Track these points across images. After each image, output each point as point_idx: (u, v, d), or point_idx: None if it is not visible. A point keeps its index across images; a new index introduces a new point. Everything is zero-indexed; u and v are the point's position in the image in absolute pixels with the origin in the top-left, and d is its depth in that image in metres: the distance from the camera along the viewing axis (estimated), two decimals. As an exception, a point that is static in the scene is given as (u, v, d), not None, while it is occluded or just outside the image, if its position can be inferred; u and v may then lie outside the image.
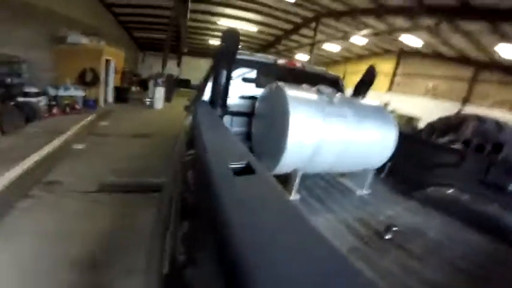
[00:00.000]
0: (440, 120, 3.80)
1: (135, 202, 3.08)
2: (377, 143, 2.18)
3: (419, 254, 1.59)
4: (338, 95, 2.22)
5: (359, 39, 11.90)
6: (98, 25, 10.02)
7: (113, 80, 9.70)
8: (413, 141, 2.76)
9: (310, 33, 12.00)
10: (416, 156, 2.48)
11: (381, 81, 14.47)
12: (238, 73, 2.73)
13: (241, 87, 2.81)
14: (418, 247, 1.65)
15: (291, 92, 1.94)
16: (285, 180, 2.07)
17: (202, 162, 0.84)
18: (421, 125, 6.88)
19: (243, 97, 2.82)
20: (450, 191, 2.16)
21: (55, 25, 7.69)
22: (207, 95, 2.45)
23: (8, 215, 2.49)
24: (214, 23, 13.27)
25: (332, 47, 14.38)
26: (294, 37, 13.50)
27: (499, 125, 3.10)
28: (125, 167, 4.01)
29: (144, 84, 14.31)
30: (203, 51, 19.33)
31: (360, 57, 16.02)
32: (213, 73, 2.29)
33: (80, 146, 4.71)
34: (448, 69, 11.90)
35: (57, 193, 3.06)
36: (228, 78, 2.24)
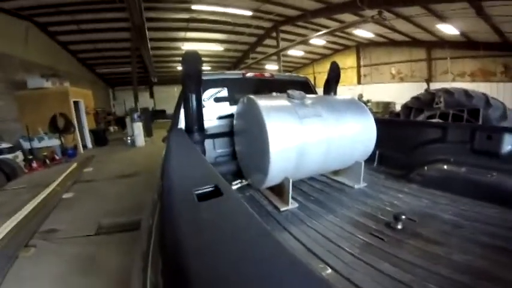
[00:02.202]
0: (413, 99, 4.07)
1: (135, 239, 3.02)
2: (358, 135, 2.20)
3: (437, 238, 1.48)
4: (308, 96, 2.24)
5: (318, 40, 12.61)
6: (56, 66, 9.64)
7: (86, 123, 9.29)
8: (394, 124, 2.81)
9: (274, 42, 12.50)
10: (402, 139, 2.52)
11: (349, 75, 15.32)
12: (209, 94, 2.72)
13: (217, 108, 2.76)
14: (434, 232, 1.55)
15: (262, 102, 1.93)
16: (280, 190, 2.02)
17: (165, 191, 0.84)
18: (398, 107, 7.30)
19: (220, 117, 2.76)
20: (445, 166, 2.17)
21: (11, 69, 7.30)
22: (182, 123, 2.40)
23: (13, 265, 2.53)
24: (179, 49, 13.40)
25: (296, 52, 15.01)
26: (260, 49, 13.93)
27: (467, 93, 3.39)
28: (117, 208, 3.89)
29: (121, 122, 13.83)
30: (173, 79, 19.32)
31: (325, 57, 16.87)
32: (183, 98, 2.25)
33: (68, 195, 4.53)
34: (404, 53, 12.92)
35: (57, 240, 3.02)
36: (199, 101, 2.22)
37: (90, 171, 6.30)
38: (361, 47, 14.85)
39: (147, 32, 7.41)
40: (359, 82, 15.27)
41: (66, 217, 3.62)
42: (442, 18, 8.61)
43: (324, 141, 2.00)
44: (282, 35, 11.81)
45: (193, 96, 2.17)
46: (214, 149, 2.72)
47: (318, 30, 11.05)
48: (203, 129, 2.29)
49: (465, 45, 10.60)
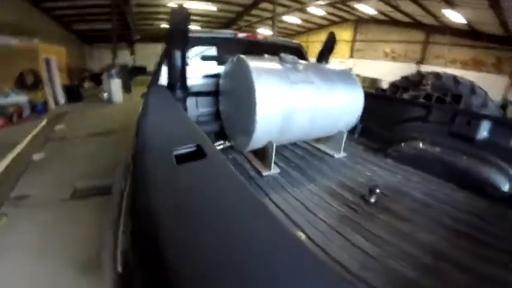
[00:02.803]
0: (402, 78, 4.04)
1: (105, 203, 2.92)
2: (346, 105, 2.21)
3: (406, 215, 1.56)
4: (301, 61, 2.18)
5: (317, 10, 11.91)
6: (27, 24, 8.70)
7: (58, 79, 8.67)
8: (380, 99, 2.82)
9: (270, 6, 11.66)
10: (385, 114, 2.55)
11: (343, 49, 14.95)
12: (196, 52, 2.57)
13: (203, 66, 2.64)
14: (404, 208, 1.62)
15: (254, 63, 1.85)
16: (263, 154, 2.02)
17: (139, 151, 0.75)
18: (384, 85, 7.31)
19: (206, 76, 2.66)
20: (420, 144, 2.22)
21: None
22: (164, 80, 2.31)
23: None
24: (165, 6, 12.21)
25: (293, 19, 14.26)
26: (255, 12, 13.02)
27: (456, 79, 3.38)
28: (93, 169, 3.71)
29: (97, 79, 13.01)
30: (157, 36, 17.93)
31: (321, 27, 16.17)
32: (167, 56, 2.14)
33: (39, 156, 4.25)
34: (402, 34, 12.56)
35: (30, 206, 2.86)
36: (184, 58, 2.11)
37: (62, 128, 5.93)
38: (360, 22, 14.28)
39: None
40: (351, 56, 15.01)
41: (37, 181, 3.41)
42: (450, 4, 8.25)
43: (312, 109, 1.97)
44: (280, 0, 10.98)
45: (178, 53, 2.04)
46: (196, 108, 2.62)
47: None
48: (186, 87, 2.18)
49: (464, 33, 10.42)
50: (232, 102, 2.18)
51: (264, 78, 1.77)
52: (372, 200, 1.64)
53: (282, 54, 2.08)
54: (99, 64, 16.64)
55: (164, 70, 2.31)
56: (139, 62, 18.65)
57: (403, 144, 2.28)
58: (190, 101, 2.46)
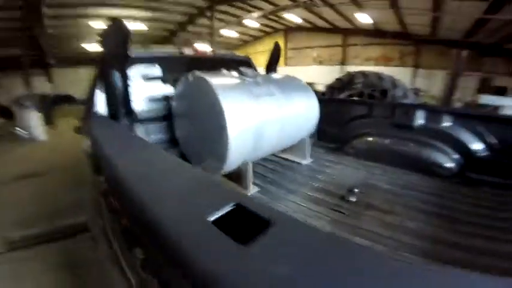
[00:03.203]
0: (337, 80, 4.54)
1: (59, 251, 2.54)
2: (305, 113, 2.30)
3: (387, 208, 1.63)
4: (260, 74, 2.20)
5: (252, 22, 12.53)
6: None
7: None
8: (329, 102, 3.03)
9: (207, 22, 11.72)
10: (336, 115, 2.75)
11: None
12: (136, 71, 2.28)
13: (146, 88, 2.35)
14: (382, 202, 1.71)
15: (215, 80, 1.74)
16: (238, 176, 1.90)
17: (158, 224, 0.63)
18: (320, 88, 8.06)
19: (153, 99, 2.39)
20: (370, 138, 2.47)
21: None
22: (100, 107, 1.99)
23: None
24: (88, 26, 11.08)
25: (230, 33, 14.62)
26: (191, 28, 12.90)
27: (379, 76, 3.96)
28: (26, 217, 3.10)
29: (6, 113, 10.83)
30: (80, 59, 16.09)
31: (256, 39, 16.99)
32: (103, 78, 1.88)
33: None
34: (325, 39, 14.20)
35: None
36: (125, 80, 1.88)
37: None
38: (288, 31, 15.57)
39: (43, 9, 5.84)
40: (285, 64, 16.18)
41: None
42: (360, 7, 9.63)
43: (278, 121, 1.96)
44: (217, 15, 11.18)
45: (117, 74, 1.78)
46: (147, 136, 2.33)
47: (252, 12, 10.90)
48: (132, 113, 1.94)
49: (373, 33, 12.30)
50: (192, 125, 2.00)
51: (229, 95, 1.68)
52: (353, 199, 1.71)
53: (242, 68, 2.02)
54: (8, 95, 13.94)
55: (99, 96, 1.98)
56: (63, 89, 16.34)
57: (356, 141, 2.52)
58: (139, 130, 2.19)
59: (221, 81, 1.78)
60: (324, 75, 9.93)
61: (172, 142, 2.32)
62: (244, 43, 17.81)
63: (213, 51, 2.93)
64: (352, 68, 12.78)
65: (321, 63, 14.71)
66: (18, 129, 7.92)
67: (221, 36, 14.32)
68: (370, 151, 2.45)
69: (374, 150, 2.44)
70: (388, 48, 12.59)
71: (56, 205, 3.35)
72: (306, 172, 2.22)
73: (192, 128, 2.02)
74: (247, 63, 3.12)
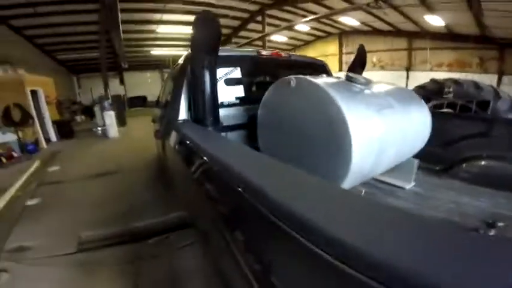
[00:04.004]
0: (418, 88, 3.97)
1: (131, 254, 2.52)
2: (419, 129, 1.92)
3: None
4: (373, 81, 1.87)
5: (303, 26, 12.29)
6: (9, 52, 8.34)
7: (47, 114, 8.19)
8: (435, 116, 2.35)
9: (257, 27, 11.92)
10: (438, 132, 2.19)
11: (331, 63, 15.35)
12: (219, 74, 2.14)
13: (228, 93, 2.24)
14: None
15: (332, 87, 1.46)
16: None
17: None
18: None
19: (233, 104, 2.25)
20: (491, 162, 2.01)
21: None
22: (182, 113, 1.93)
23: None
24: (154, 32, 12.27)
25: (280, 38, 14.61)
26: (243, 33, 13.28)
27: (476, 85, 3.33)
28: (99, 216, 3.29)
29: (89, 112, 12.59)
30: (146, 64, 17.94)
31: (306, 43, 16.67)
32: (191, 78, 1.77)
33: (33, 201, 3.81)
34: (386, 43, 13.08)
35: (30, 261, 2.44)
36: (214, 81, 1.75)
37: (56, 170, 5.48)
38: (343, 34, 14.80)
39: (119, 13, 6.57)
40: (340, 69, 15.38)
41: (35, 230, 2.98)
42: (431, 9, 8.68)
43: (398, 138, 1.64)
44: (267, 20, 11.27)
45: (207, 74, 1.66)
46: None
47: (304, 16, 10.69)
48: (218, 121, 1.82)
49: (445, 36, 10.93)
50: (289, 137, 1.72)
51: (351, 106, 1.39)
52: (492, 233, 1.39)
53: (351, 74, 1.74)
54: (89, 95, 16.31)
55: (184, 99, 1.95)
56: (130, 90, 18.53)
57: (469, 163, 2.09)
58: None
59: (338, 89, 1.51)
60: (386, 80, 9.03)
61: None
62: (293, 48, 17.66)
63: (287, 53, 2.73)
64: (420, 74, 11.67)
65: (382, 68, 13.62)
66: (98, 128, 9.07)
67: (271, 41, 14.42)
68: (490, 176, 1.97)
69: (496, 175, 1.97)
70: (463, 52, 10.98)
71: (126, 205, 3.51)
72: (415, 199, 1.85)
73: (287, 140, 1.74)
74: (323, 67, 2.89)
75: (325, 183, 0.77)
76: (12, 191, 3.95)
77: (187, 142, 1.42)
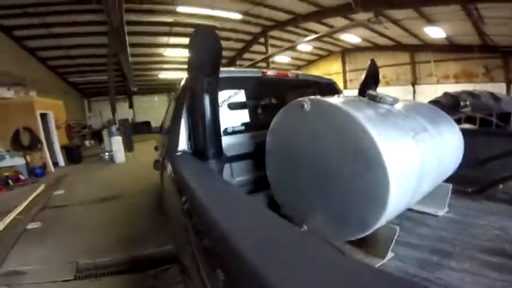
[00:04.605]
0: (432, 103, 3.81)
1: (130, 285, 2.41)
2: (453, 151, 1.73)
3: None
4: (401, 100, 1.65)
5: (305, 46, 12.55)
6: (22, 73, 8.52)
7: (56, 138, 8.28)
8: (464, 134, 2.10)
9: (261, 48, 12.23)
10: (468, 151, 1.95)
11: (335, 80, 15.46)
12: (221, 98, 1.94)
13: (232, 118, 2.01)
14: None
15: (351, 108, 1.25)
16: (367, 239, 1.35)
17: None
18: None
19: (235, 131, 2.01)
20: None
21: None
22: (182, 142, 1.75)
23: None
24: (161, 55, 12.72)
25: (283, 59, 14.91)
26: (246, 55, 13.62)
27: (494, 96, 3.16)
28: (98, 242, 3.17)
29: (98, 136, 12.76)
30: (155, 87, 18.44)
31: (310, 63, 16.95)
32: (189, 105, 1.61)
33: (34, 225, 3.75)
34: (388, 58, 13.17)
35: (23, 286, 2.39)
36: (216, 106, 1.57)
37: (61, 194, 5.43)
38: (346, 52, 15.04)
39: (126, 36, 6.81)
40: (345, 87, 15.44)
41: (32, 255, 2.90)
42: (431, 21, 8.76)
43: (435, 164, 1.45)
44: (270, 41, 11.55)
45: (207, 99, 1.50)
46: (232, 177, 1.99)
47: (306, 36, 10.94)
48: (221, 153, 1.63)
49: (447, 48, 10.96)
50: (302, 170, 1.49)
51: (381, 131, 1.17)
52: None
53: (373, 92, 1.51)
54: (98, 119, 16.65)
55: (184, 127, 1.77)
56: (138, 115, 18.91)
57: (504, 183, 1.88)
58: (225, 170, 1.85)
59: (362, 110, 1.29)
60: (394, 95, 8.86)
61: (258, 183, 1.95)
62: (297, 68, 17.97)
63: (294, 72, 2.60)
64: (427, 88, 11.55)
65: (387, 83, 13.59)
66: (104, 153, 9.11)
67: (274, 62, 14.74)
68: None
69: None
70: (468, 63, 10.94)
71: (123, 232, 3.38)
72: (452, 227, 1.61)
73: (301, 173, 1.49)
74: (332, 86, 2.74)
75: (313, 240, 0.67)
76: (13, 214, 3.90)
77: (178, 180, 1.24)
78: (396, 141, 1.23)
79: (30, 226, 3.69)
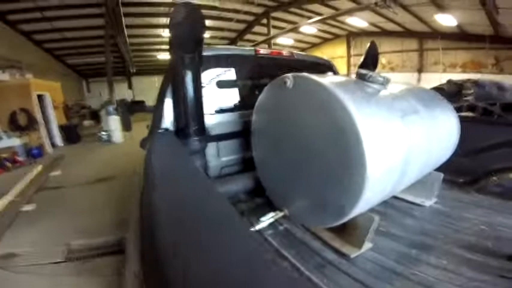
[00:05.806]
0: (436, 89, 3.67)
1: (121, 266, 2.42)
2: (446, 136, 1.63)
3: None
4: (395, 81, 1.54)
5: (309, 28, 12.08)
6: (18, 57, 8.45)
7: (54, 118, 8.28)
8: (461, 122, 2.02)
9: (262, 29, 11.81)
10: (468, 139, 1.85)
11: (339, 65, 15.07)
12: (209, 76, 1.90)
13: (219, 96, 1.97)
14: None
15: (334, 86, 1.16)
16: (346, 225, 1.29)
17: None
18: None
19: (225, 110, 1.98)
20: None
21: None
22: (168, 119, 1.73)
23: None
24: (160, 36, 12.36)
25: (286, 41, 14.46)
26: (248, 36, 13.21)
27: (499, 86, 3.04)
28: (92, 224, 3.20)
29: (97, 116, 12.72)
30: (154, 68, 18.11)
31: (313, 45, 16.43)
32: (172, 83, 1.59)
33: (29, 207, 3.78)
34: (395, 44, 12.68)
35: (17, 269, 2.41)
36: (198, 85, 1.52)
37: (57, 175, 5.45)
38: (351, 36, 14.51)
39: (123, 18, 6.57)
40: (348, 72, 15.07)
41: (26, 237, 2.95)
42: (442, 7, 8.33)
43: (424, 148, 1.36)
44: (272, 22, 11.12)
45: (189, 77, 1.45)
46: (218, 157, 1.97)
47: (310, 18, 10.49)
48: (204, 130, 1.60)
49: (458, 36, 10.52)
50: (286, 147, 1.43)
51: (365, 110, 1.10)
52: None
53: (363, 71, 1.40)
54: (97, 99, 16.54)
55: (168, 105, 1.75)
56: (138, 95, 18.72)
57: (501, 176, 1.80)
58: (210, 148, 1.84)
59: (348, 89, 1.20)
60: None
61: (247, 163, 1.90)
62: (300, 50, 17.51)
63: (290, 51, 2.46)
64: (433, 76, 11.23)
65: (392, 69, 13.18)
66: (101, 132, 9.11)
67: (276, 44, 14.29)
68: None
69: None
70: (478, 53, 10.50)
71: (117, 214, 3.40)
72: (436, 219, 1.54)
73: (284, 152, 1.45)
74: (330, 67, 2.64)
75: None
76: (8, 197, 3.89)
77: (145, 160, 1.19)
78: (379, 121, 1.14)
79: (25, 208, 3.72)
